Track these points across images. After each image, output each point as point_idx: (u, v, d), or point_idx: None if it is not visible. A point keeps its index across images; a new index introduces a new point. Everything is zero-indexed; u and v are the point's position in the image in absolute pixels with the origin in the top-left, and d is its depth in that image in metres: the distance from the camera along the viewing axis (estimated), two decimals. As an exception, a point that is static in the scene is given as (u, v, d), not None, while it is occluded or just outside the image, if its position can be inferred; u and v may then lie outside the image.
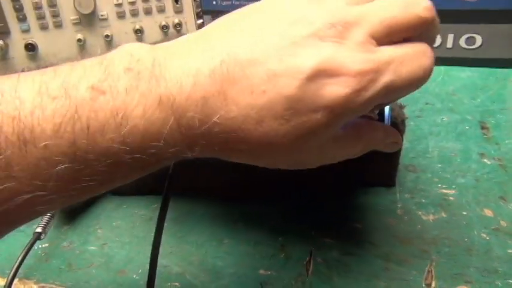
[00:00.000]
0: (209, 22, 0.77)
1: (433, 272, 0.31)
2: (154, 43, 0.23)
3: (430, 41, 0.24)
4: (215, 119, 0.20)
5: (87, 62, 0.21)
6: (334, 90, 0.20)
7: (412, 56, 0.22)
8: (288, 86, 0.20)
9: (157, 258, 0.27)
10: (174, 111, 0.20)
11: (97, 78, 0.20)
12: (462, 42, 0.57)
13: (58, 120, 0.19)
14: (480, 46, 0.56)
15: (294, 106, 0.21)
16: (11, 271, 0.32)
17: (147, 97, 0.20)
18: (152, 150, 0.20)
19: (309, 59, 0.20)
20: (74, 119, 0.19)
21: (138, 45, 0.22)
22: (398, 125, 0.35)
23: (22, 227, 0.38)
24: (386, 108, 0.31)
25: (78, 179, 0.20)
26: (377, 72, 0.21)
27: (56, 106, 0.19)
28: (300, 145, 0.22)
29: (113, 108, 0.19)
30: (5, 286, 0.32)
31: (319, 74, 0.20)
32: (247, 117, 0.21)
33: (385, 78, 0.21)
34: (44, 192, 0.19)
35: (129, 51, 0.21)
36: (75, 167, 0.19)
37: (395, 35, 0.22)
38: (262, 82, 0.20)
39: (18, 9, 0.59)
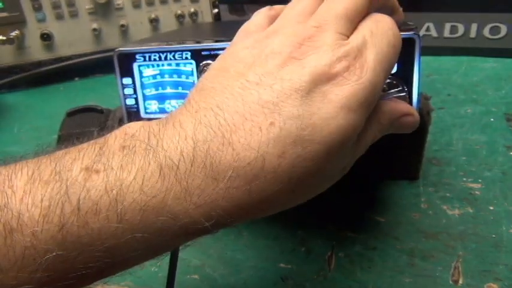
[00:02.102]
0: (225, 12, 0.76)
1: (460, 268, 0.30)
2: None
3: (388, 11, 0.25)
4: (230, 173, 0.19)
5: (83, 145, 0.20)
6: (338, 91, 0.20)
7: (375, 26, 0.23)
8: (293, 107, 0.20)
9: (178, 251, 0.27)
10: (179, 179, 0.19)
11: (91, 159, 0.19)
12: (486, 32, 0.55)
13: (46, 204, 0.17)
14: (505, 36, 0.55)
15: (309, 122, 0.20)
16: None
17: (145, 170, 0.19)
18: (157, 226, 0.19)
19: (298, 75, 0.20)
20: (63, 201, 0.17)
21: (132, 123, 0.21)
22: (423, 116, 0.34)
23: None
24: (414, 100, 0.30)
25: (72, 268, 0.18)
26: (360, 55, 0.21)
27: (46, 190, 0.18)
28: (336, 159, 0.21)
29: (107, 185, 0.18)
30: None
31: (316, 84, 0.20)
32: (266, 154, 0.19)
33: (370, 55, 0.22)
34: (30, 286, 0.17)
35: (123, 130, 0.20)
36: (66, 254, 0.18)
37: (356, 20, 0.23)
38: (265, 116, 0.20)
39: (34, -2, 0.58)
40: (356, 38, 0.22)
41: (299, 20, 0.23)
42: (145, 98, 0.33)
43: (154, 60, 0.31)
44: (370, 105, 0.22)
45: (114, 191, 0.18)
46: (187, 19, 0.63)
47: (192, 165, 0.19)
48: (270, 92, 0.20)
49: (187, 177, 0.19)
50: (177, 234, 0.19)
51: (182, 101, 0.32)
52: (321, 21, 0.22)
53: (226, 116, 0.20)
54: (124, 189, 0.18)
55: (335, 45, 0.21)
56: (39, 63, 0.62)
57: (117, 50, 0.31)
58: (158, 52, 0.31)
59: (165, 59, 0.31)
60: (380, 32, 0.23)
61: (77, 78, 0.66)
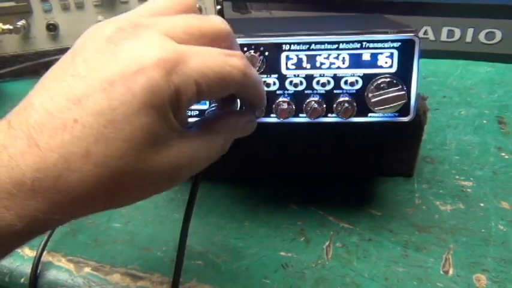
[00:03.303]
0: (228, 8, 0.76)
1: (450, 260, 0.32)
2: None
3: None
4: (36, 174, 0.18)
5: None
6: (142, 81, 0.19)
7: (219, 53, 0.21)
8: (95, 101, 0.18)
9: (186, 237, 0.28)
10: None
11: None
12: (482, 37, 0.57)
13: None
14: (500, 41, 0.56)
15: (110, 118, 0.18)
16: (41, 244, 0.33)
17: None
18: None
19: (109, 64, 0.19)
20: None
21: None
22: (420, 116, 0.35)
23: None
24: (413, 99, 0.31)
25: None
26: (182, 57, 0.20)
27: None
28: (151, 157, 0.20)
29: None
30: (35, 258, 0.33)
31: (124, 76, 0.19)
32: (70, 154, 0.18)
33: (193, 64, 0.20)
34: None
35: None
36: None
37: (195, 38, 0.21)
38: (71, 112, 0.18)
39: (42, -11, 0.59)
40: (188, 46, 0.21)
41: (142, 14, 0.22)
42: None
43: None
44: (179, 106, 0.20)
45: None
46: (191, 15, 0.64)
47: None
48: (80, 84, 0.19)
49: None
50: None
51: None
52: (157, 20, 0.21)
53: (35, 115, 0.19)
54: None
55: (156, 38, 0.20)
56: (44, 53, 0.63)
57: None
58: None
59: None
60: (218, 59, 0.21)
61: (80, 69, 0.67)
